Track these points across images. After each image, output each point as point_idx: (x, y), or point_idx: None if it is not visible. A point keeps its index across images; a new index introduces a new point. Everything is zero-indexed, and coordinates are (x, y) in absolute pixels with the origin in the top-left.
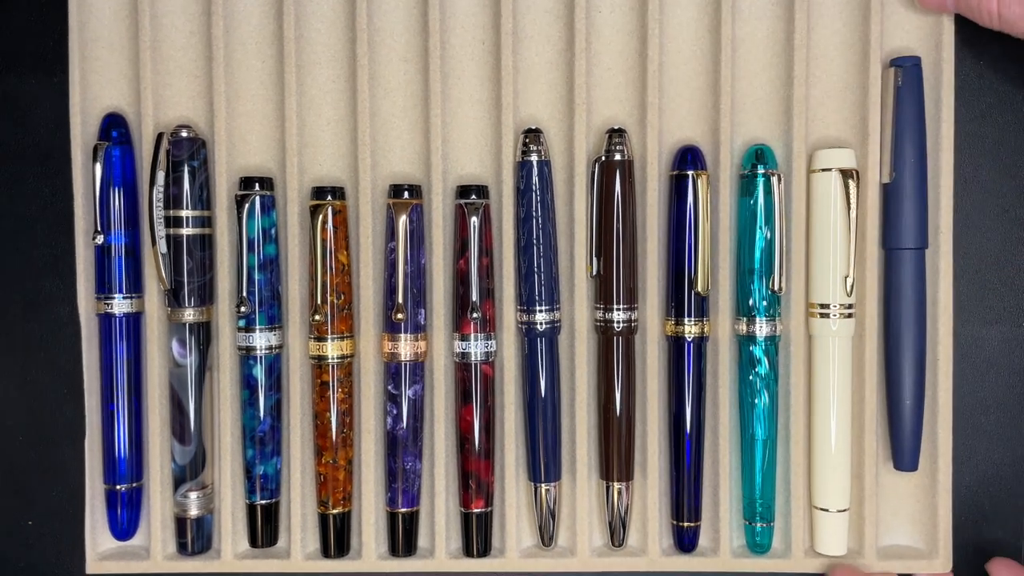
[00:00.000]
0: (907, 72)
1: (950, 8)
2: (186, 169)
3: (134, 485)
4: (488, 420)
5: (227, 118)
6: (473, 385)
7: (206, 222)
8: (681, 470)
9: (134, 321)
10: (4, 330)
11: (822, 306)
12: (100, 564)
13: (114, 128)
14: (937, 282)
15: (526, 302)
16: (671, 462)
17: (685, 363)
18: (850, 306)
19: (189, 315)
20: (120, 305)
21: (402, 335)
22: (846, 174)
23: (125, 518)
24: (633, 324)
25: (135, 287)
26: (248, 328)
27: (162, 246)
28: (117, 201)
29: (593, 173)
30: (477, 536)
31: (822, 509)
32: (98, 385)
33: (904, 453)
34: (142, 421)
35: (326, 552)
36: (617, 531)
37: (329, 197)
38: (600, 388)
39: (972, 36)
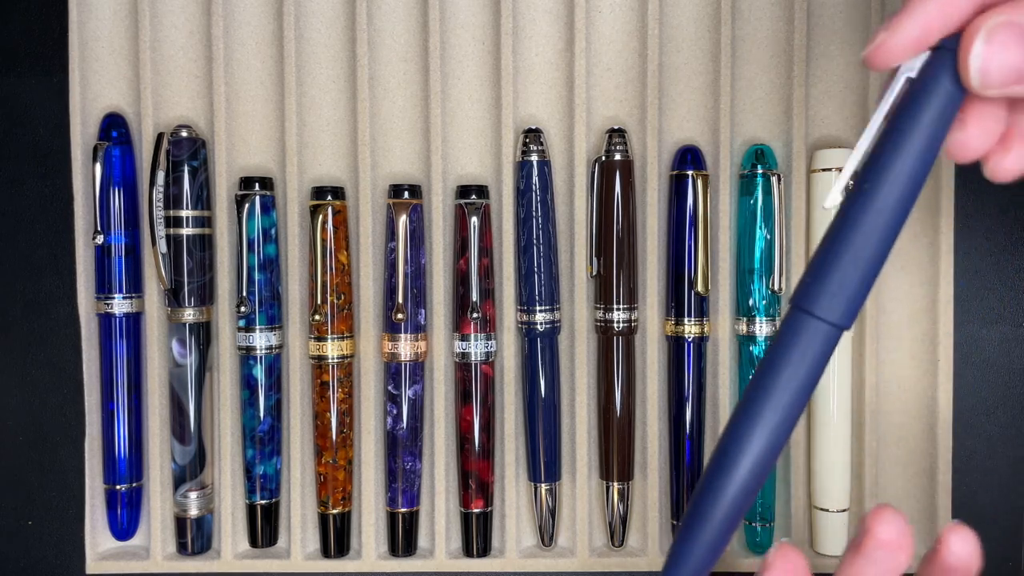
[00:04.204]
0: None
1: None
2: (186, 169)
3: (134, 485)
4: (488, 420)
5: (227, 118)
6: (473, 385)
7: (206, 222)
8: (681, 470)
9: (134, 321)
10: (4, 330)
11: None
12: (100, 564)
13: (114, 128)
14: (937, 282)
15: (526, 302)
16: (671, 462)
17: (685, 363)
18: None
19: (189, 315)
20: (120, 305)
21: (402, 335)
22: None
23: (125, 518)
24: (633, 324)
25: (135, 287)
26: (248, 328)
27: (162, 246)
28: (117, 201)
29: (593, 173)
30: (477, 536)
31: (822, 509)
32: (98, 385)
33: None
34: (142, 421)
35: (326, 552)
36: (617, 531)
37: (329, 197)
38: (600, 388)
39: None
